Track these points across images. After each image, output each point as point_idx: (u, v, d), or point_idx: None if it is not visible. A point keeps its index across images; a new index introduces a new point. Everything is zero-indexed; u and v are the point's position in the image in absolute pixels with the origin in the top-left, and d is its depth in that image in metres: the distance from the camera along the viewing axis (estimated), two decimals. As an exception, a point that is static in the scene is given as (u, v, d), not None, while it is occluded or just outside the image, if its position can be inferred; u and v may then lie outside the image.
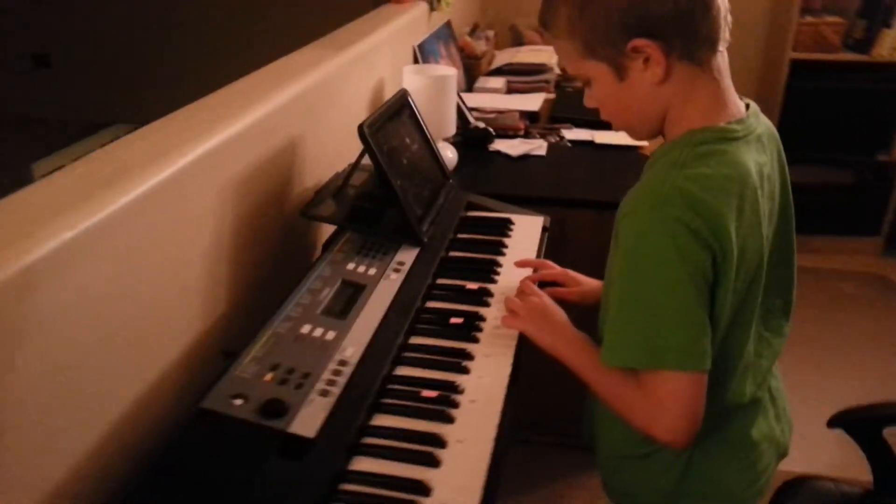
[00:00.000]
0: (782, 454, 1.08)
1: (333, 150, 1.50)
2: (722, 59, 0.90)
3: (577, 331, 1.02)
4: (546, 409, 1.80)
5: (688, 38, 0.85)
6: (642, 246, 0.84)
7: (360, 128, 1.18)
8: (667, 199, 0.82)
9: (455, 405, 0.94)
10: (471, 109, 2.16)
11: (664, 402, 0.84)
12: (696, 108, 0.89)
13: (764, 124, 0.95)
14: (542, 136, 2.16)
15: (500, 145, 2.06)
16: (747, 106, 0.95)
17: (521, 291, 1.14)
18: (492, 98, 2.38)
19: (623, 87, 0.89)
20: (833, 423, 1.26)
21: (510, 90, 2.58)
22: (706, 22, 0.85)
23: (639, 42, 0.84)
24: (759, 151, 0.92)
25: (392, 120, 1.32)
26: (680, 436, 0.85)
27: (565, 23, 0.88)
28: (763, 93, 3.23)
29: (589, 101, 0.96)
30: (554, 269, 1.25)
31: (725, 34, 0.88)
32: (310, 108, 1.40)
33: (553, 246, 1.55)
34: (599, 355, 0.90)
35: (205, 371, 1.02)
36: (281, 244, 1.30)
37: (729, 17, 0.88)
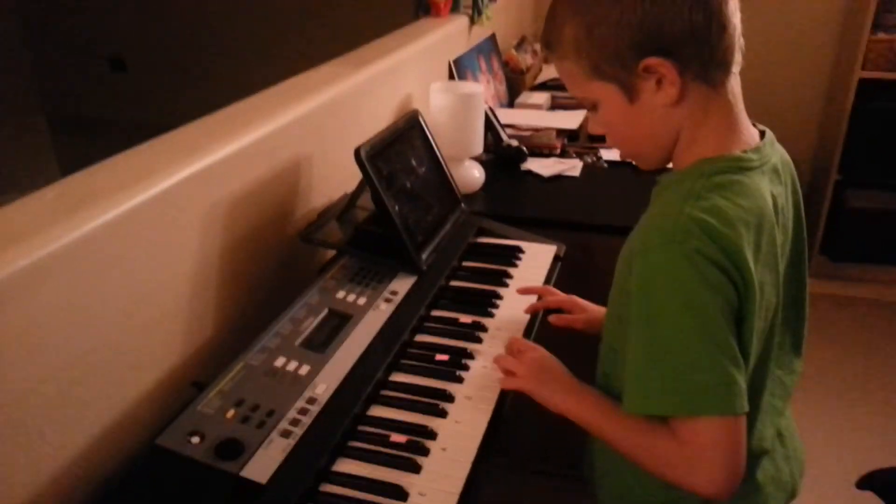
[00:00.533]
0: (791, 495, 0.99)
1: (347, 171, 1.46)
2: (735, 82, 0.84)
3: (582, 382, 0.94)
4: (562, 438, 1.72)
5: (703, 57, 0.79)
6: (663, 282, 0.77)
7: (357, 151, 1.15)
8: (685, 232, 0.75)
9: (424, 452, 0.89)
10: (505, 126, 2.10)
11: (703, 452, 0.76)
12: (709, 134, 0.83)
13: (779, 153, 0.89)
14: (579, 156, 2.08)
15: (533, 165, 1.99)
16: (762, 133, 0.89)
17: (514, 350, 1.02)
18: (529, 115, 2.32)
19: (633, 109, 0.83)
20: (862, 484, 1.15)
21: (554, 105, 2.51)
22: (722, 41, 0.80)
23: (652, 61, 0.79)
24: (774, 182, 0.86)
25: (398, 142, 1.28)
26: (724, 487, 0.76)
27: (571, 42, 0.83)
28: (828, 112, 3.06)
29: (594, 127, 0.90)
30: (558, 295, 1.19)
31: (738, 56, 0.83)
32: (321, 127, 1.37)
33: (578, 272, 1.48)
34: (622, 406, 0.82)
35: (183, 401, 1.00)
36: (281, 268, 1.28)
37: (742, 40, 0.83)
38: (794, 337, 0.97)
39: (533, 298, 1.21)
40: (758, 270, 0.78)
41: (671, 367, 0.77)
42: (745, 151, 0.83)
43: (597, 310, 1.15)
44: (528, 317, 1.18)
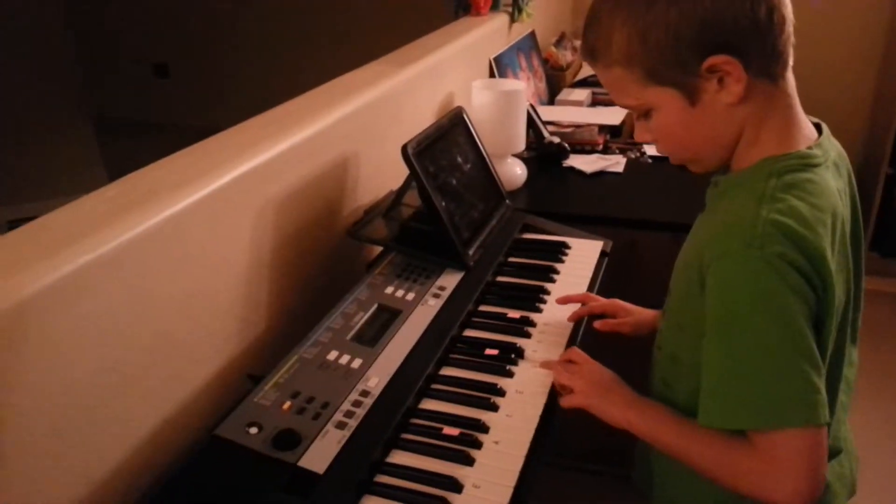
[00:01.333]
0: (852, 491, 0.96)
1: (393, 169, 1.48)
2: (791, 76, 0.82)
3: (641, 395, 0.92)
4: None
5: (766, 51, 0.77)
6: (745, 290, 0.74)
7: (404, 148, 1.16)
8: (765, 236, 0.73)
9: (477, 445, 0.89)
10: (547, 123, 2.10)
11: (787, 464, 0.73)
12: (772, 131, 0.81)
13: (835, 146, 0.87)
14: (622, 152, 2.07)
15: (575, 161, 1.98)
16: (817, 126, 0.86)
17: (569, 360, 1.00)
18: (571, 111, 2.31)
19: (694, 111, 0.80)
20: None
21: (595, 102, 2.50)
22: (783, 34, 0.78)
23: (717, 59, 0.76)
24: (835, 176, 0.83)
25: (443, 139, 1.28)
26: (809, 498, 0.74)
27: (623, 49, 0.79)
28: (878, 104, 2.98)
29: (643, 135, 0.86)
30: (599, 300, 1.17)
31: (791, 50, 0.81)
32: (366, 126, 1.38)
33: (623, 269, 1.47)
34: (696, 417, 0.79)
35: (238, 393, 1.03)
36: (330, 263, 1.30)
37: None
38: (852, 328, 0.95)
39: (575, 306, 1.17)
40: (834, 272, 0.76)
41: (754, 378, 0.74)
42: (809, 148, 0.81)
43: (641, 312, 1.13)
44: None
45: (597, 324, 1.13)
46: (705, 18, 0.75)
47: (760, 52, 0.77)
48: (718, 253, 0.77)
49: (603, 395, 0.92)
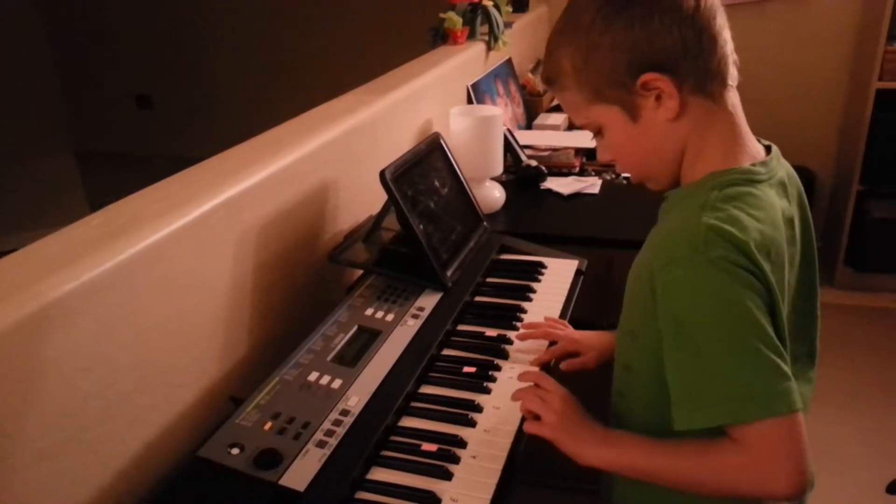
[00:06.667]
0: None
1: (372, 194, 1.51)
2: (734, 96, 0.88)
3: (607, 428, 0.89)
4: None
5: (697, 69, 0.83)
6: (695, 293, 0.78)
7: (382, 173, 1.19)
8: (706, 242, 0.77)
9: (455, 460, 0.91)
10: (524, 147, 2.14)
11: (774, 454, 0.74)
12: (715, 147, 0.86)
13: (784, 167, 0.92)
14: (598, 174, 2.12)
15: (552, 184, 2.02)
16: (768, 148, 0.91)
17: (539, 387, 0.96)
18: (547, 135, 2.35)
19: (637, 128, 0.86)
20: (892, 489, 1.16)
21: (571, 126, 2.55)
22: (714, 54, 0.84)
23: (649, 76, 0.82)
24: (781, 195, 0.88)
25: (420, 164, 1.32)
26: (801, 484, 0.75)
27: (570, 71, 0.87)
28: (847, 123, 3.06)
29: (603, 154, 0.93)
30: (557, 332, 1.16)
31: (733, 71, 0.86)
32: (345, 152, 1.42)
33: (601, 287, 1.50)
34: (674, 425, 0.79)
35: (221, 415, 1.04)
36: (311, 288, 1.32)
37: (735, 56, 0.86)
38: (808, 346, 0.97)
39: (542, 342, 1.17)
40: (771, 280, 0.79)
41: (723, 374, 0.76)
42: (753, 165, 0.85)
43: (599, 340, 1.13)
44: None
45: (562, 366, 1.13)
46: (636, 42, 0.82)
47: (692, 71, 0.83)
48: (666, 260, 0.80)
49: (571, 432, 0.90)
